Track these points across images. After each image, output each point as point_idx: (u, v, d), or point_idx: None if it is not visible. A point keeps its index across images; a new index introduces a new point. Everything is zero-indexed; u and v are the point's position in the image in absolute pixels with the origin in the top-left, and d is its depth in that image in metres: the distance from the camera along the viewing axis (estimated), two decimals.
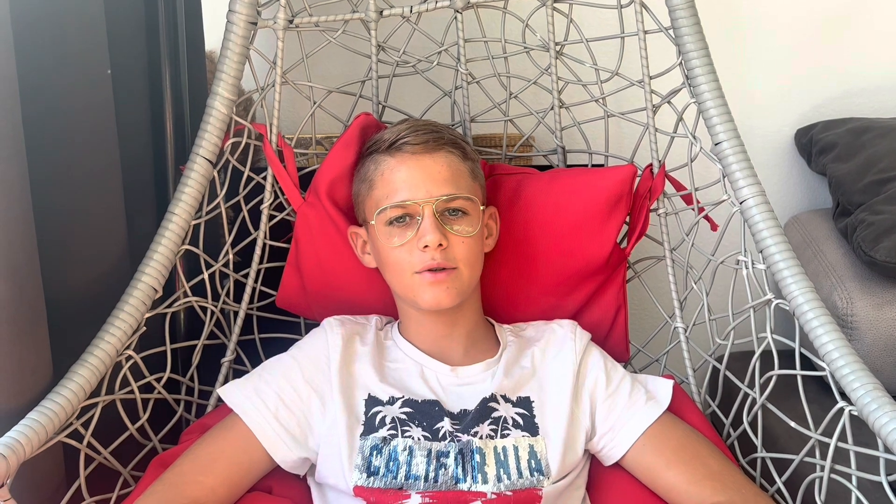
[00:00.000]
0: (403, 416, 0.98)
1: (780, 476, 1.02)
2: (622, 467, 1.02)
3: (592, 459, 1.04)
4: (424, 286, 1.00)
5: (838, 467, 0.94)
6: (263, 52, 1.20)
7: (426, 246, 0.99)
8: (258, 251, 1.23)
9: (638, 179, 1.18)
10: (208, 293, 1.18)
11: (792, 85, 1.51)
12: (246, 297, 1.23)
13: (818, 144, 1.45)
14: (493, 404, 1.00)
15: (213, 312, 1.19)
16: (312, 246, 1.16)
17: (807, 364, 1.00)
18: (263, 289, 1.24)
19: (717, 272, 1.15)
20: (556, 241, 1.15)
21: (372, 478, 0.93)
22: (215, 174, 1.17)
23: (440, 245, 0.99)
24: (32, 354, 0.94)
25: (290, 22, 1.20)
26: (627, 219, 1.18)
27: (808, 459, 0.98)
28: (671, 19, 1.13)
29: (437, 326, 1.05)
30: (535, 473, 0.95)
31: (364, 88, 1.26)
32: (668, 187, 1.20)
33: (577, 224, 1.14)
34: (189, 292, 1.16)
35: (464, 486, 0.93)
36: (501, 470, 0.94)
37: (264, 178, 1.22)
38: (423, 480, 0.93)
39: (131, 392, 1.07)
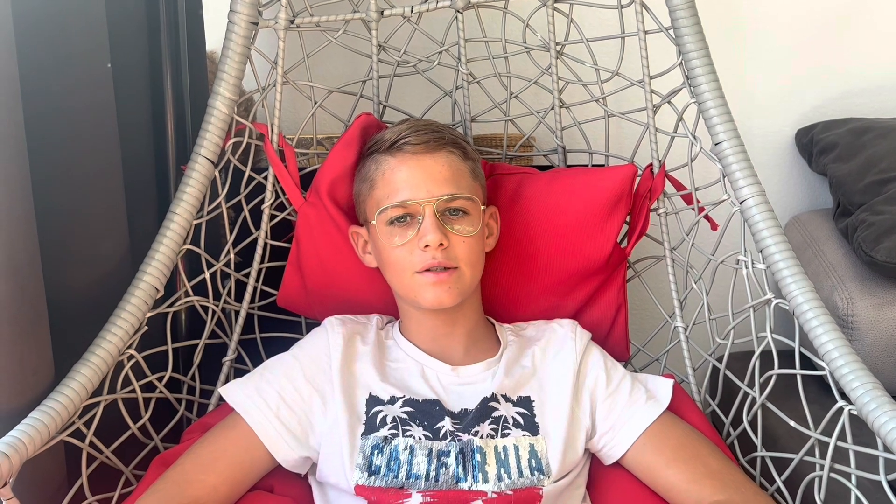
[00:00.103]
0: (404, 416, 0.98)
1: (779, 475, 1.02)
2: (622, 466, 1.02)
3: (592, 458, 1.04)
4: (426, 286, 1.00)
5: (838, 466, 0.94)
6: (264, 52, 1.20)
7: (427, 246, 0.99)
8: (259, 251, 1.23)
9: (638, 179, 1.18)
10: (209, 293, 1.18)
11: (792, 85, 1.51)
12: (247, 297, 1.23)
13: (819, 145, 1.45)
14: (493, 404, 1.00)
15: (214, 312, 1.19)
16: (313, 245, 1.16)
17: (806, 364, 1.00)
18: (264, 288, 1.24)
19: (717, 272, 1.15)
20: (556, 240, 1.15)
21: (373, 477, 0.94)
22: (216, 174, 1.17)
23: (441, 245, 0.99)
24: (34, 354, 0.94)
25: (291, 22, 1.20)
26: (628, 218, 1.18)
27: (807, 459, 0.98)
28: (671, 19, 1.13)
29: (437, 326, 1.05)
30: (536, 473, 0.95)
31: (365, 88, 1.26)
32: (669, 187, 1.21)
33: (577, 224, 1.15)
34: (190, 292, 1.16)
35: (464, 486, 0.93)
36: (502, 469, 0.94)
37: (265, 178, 1.22)
38: (423, 480, 0.93)
39: (133, 391, 1.07)
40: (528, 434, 0.98)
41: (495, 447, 0.96)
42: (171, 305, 1.13)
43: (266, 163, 1.22)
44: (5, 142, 0.88)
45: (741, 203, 1.09)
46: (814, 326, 0.98)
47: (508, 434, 0.97)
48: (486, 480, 0.93)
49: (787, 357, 1.03)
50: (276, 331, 1.24)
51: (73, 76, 1.00)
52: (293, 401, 0.99)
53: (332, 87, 1.25)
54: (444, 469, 0.94)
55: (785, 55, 1.49)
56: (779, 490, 1.02)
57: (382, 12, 1.22)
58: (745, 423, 1.08)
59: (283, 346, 1.09)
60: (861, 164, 1.37)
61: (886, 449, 0.86)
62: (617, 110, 1.23)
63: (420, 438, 0.96)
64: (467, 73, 1.24)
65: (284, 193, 1.21)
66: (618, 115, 1.23)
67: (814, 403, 0.99)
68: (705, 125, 1.12)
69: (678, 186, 1.20)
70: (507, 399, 1.01)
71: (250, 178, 1.22)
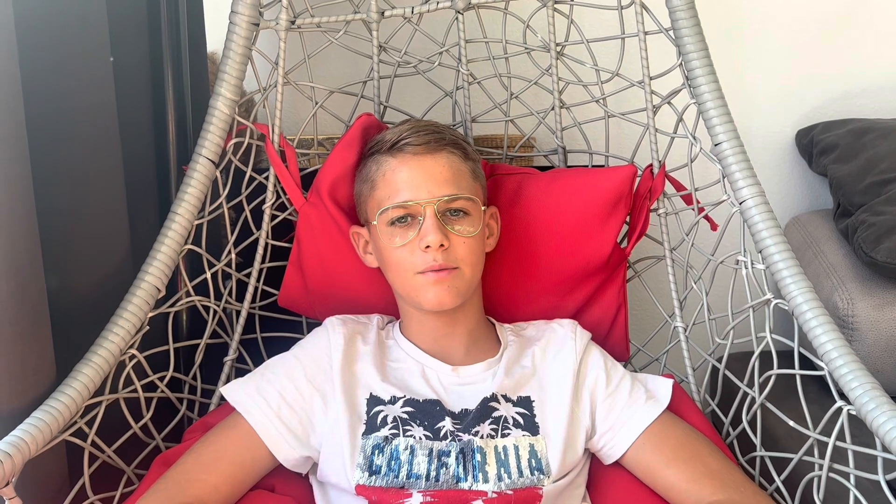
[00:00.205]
0: (405, 416, 0.98)
1: (778, 475, 1.02)
2: (622, 466, 1.02)
3: (592, 458, 1.04)
4: (427, 286, 1.00)
5: (837, 466, 0.94)
6: (265, 52, 1.21)
7: (428, 246, 0.99)
8: (260, 251, 1.23)
9: (638, 180, 1.18)
10: (211, 292, 1.19)
11: (793, 86, 1.51)
12: (248, 297, 1.23)
13: (819, 145, 1.45)
14: (493, 404, 1.00)
15: (215, 312, 1.20)
16: (314, 245, 1.17)
17: (806, 364, 1.00)
18: (265, 288, 1.24)
19: (716, 272, 1.15)
20: (556, 240, 1.15)
21: (374, 477, 0.94)
22: (218, 174, 1.18)
23: (442, 245, 0.99)
24: (35, 354, 0.95)
25: (292, 23, 1.20)
26: (628, 219, 1.19)
27: (806, 458, 0.98)
28: (671, 20, 1.13)
29: (438, 326, 1.05)
30: (536, 472, 0.95)
31: (366, 89, 1.26)
32: (669, 187, 1.21)
33: (577, 224, 1.15)
34: (192, 292, 1.17)
35: (465, 485, 0.94)
36: (502, 469, 0.95)
37: (266, 179, 1.23)
38: (424, 479, 0.93)
39: (135, 391, 1.07)
40: (528, 434, 0.98)
41: (495, 447, 0.96)
42: (172, 305, 1.14)
43: (267, 163, 1.23)
44: (7, 142, 0.88)
45: (741, 203, 1.09)
46: (813, 327, 0.98)
47: (508, 434, 0.98)
48: (486, 480, 0.94)
49: (786, 357, 1.03)
50: (277, 331, 1.25)
51: (74, 77, 1.01)
52: (294, 400, 0.99)
53: (332, 88, 1.25)
54: (444, 469, 0.94)
55: (785, 56, 1.49)
56: (778, 490, 1.02)
57: (383, 13, 1.22)
58: (745, 423, 1.08)
59: (285, 345, 1.10)
60: (861, 165, 1.37)
61: (885, 449, 0.86)
62: (617, 111, 1.23)
63: (420, 438, 0.96)
64: (468, 73, 1.24)
65: (285, 194, 1.22)
66: (618, 116, 1.23)
67: (813, 403, 1.00)
68: (705, 126, 1.12)
69: (678, 187, 1.20)
70: (507, 399, 1.01)
71: (251, 179, 1.22)
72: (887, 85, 1.52)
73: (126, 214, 1.10)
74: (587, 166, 1.28)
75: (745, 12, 1.47)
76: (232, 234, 1.22)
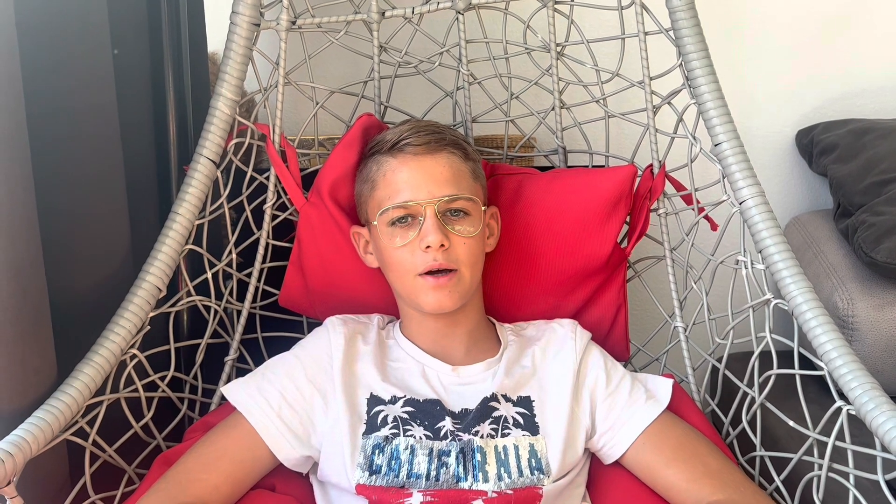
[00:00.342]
0: (405, 416, 0.99)
1: (778, 475, 1.03)
2: (622, 466, 1.02)
3: (592, 458, 1.05)
4: (427, 290, 1.01)
5: (836, 466, 0.94)
6: (266, 52, 1.21)
7: (428, 246, 0.99)
8: (261, 251, 1.23)
9: (638, 180, 1.19)
10: (212, 292, 1.19)
11: (793, 86, 1.51)
12: (249, 297, 1.23)
13: (819, 145, 1.45)
14: (493, 404, 1.00)
15: (216, 311, 1.20)
16: (315, 245, 1.17)
17: (806, 364, 1.00)
18: (266, 288, 1.24)
19: (716, 272, 1.16)
20: (556, 240, 1.15)
21: (374, 476, 0.94)
22: (218, 174, 1.18)
23: (442, 245, 0.99)
24: (36, 354, 0.95)
25: (293, 23, 1.20)
26: (628, 219, 1.19)
27: (806, 458, 0.98)
28: (671, 20, 1.13)
29: (438, 326, 1.06)
30: (536, 472, 0.95)
31: (366, 89, 1.26)
32: (669, 187, 1.21)
33: (577, 224, 1.15)
34: (193, 292, 1.17)
35: (465, 485, 0.94)
36: (502, 469, 0.95)
37: (267, 179, 1.23)
38: (424, 479, 0.94)
39: (136, 390, 1.07)
40: (528, 434, 0.98)
41: (495, 447, 0.96)
42: (173, 305, 1.14)
43: (268, 163, 1.23)
44: (8, 142, 0.88)
45: (741, 204, 1.09)
46: (813, 327, 0.98)
47: (508, 434, 0.98)
48: (486, 480, 0.94)
49: (786, 357, 1.04)
50: (277, 330, 1.25)
51: (75, 77, 1.01)
52: (295, 400, 1.00)
53: (333, 88, 1.25)
54: (444, 468, 0.94)
55: (785, 56, 1.49)
56: (777, 489, 1.03)
57: (384, 13, 1.22)
58: (745, 423, 1.08)
59: (285, 345, 1.10)
60: (861, 165, 1.37)
61: (884, 449, 0.87)
62: (617, 111, 1.23)
63: (421, 438, 0.97)
64: (468, 73, 1.24)
65: (286, 194, 1.22)
66: (618, 116, 1.23)
67: (813, 403, 1.00)
68: (705, 126, 1.12)
69: (678, 187, 1.20)
70: (507, 399, 1.01)
71: (252, 179, 1.23)
72: (887, 85, 1.52)
73: (127, 214, 1.11)
74: (587, 166, 1.28)
75: (745, 12, 1.47)
76: (233, 234, 1.22)
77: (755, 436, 1.06)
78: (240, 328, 1.22)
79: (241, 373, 1.10)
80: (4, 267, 0.89)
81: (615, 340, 1.19)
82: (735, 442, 1.11)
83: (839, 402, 0.94)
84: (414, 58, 1.25)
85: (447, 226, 1.01)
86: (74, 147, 1.02)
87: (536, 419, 1.00)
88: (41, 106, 0.96)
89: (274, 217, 1.23)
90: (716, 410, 1.15)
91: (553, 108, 1.25)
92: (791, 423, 1.01)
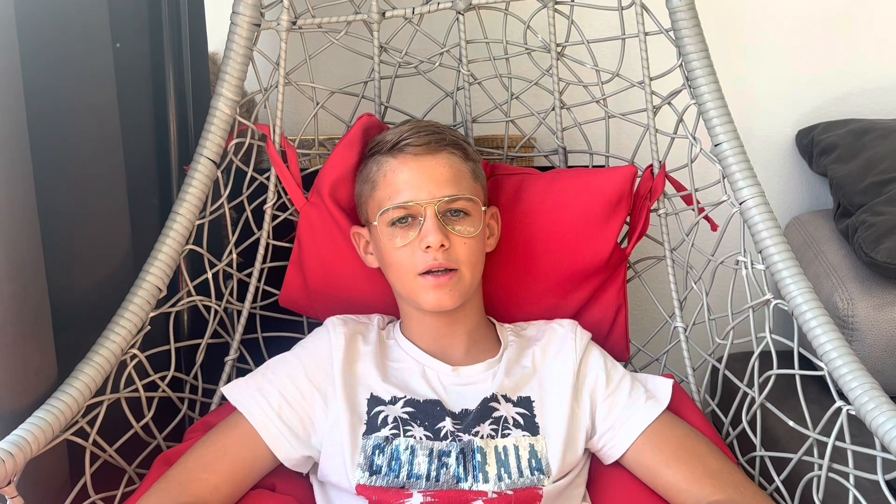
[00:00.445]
0: (405, 416, 0.99)
1: (778, 475, 1.03)
2: (622, 466, 1.02)
3: (592, 458, 1.05)
4: (427, 289, 1.01)
5: (836, 466, 0.94)
6: (266, 53, 1.21)
7: (428, 247, 1.00)
8: (261, 251, 1.23)
9: (638, 180, 1.19)
10: (212, 292, 1.19)
11: (793, 86, 1.51)
12: (249, 297, 1.23)
13: (819, 145, 1.45)
14: (493, 404, 1.00)
15: (216, 312, 1.20)
16: (315, 246, 1.17)
17: (806, 364, 1.00)
18: (266, 288, 1.24)
19: (716, 272, 1.16)
20: (557, 241, 1.15)
21: (374, 477, 0.94)
22: (219, 174, 1.18)
23: (442, 246, 0.99)
24: (37, 355, 0.95)
25: (293, 23, 1.20)
26: (628, 219, 1.19)
27: (806, 458, 0.98)
28: (671, 21, 1.13)
29: (438, 326, 1.06)
30: (536, 472, 0.95)
31: (366, 89, 1.26)
32: (669, 188, 1.21)
33: (577, 224, 1.15)
34: (193, 292, 1.17)
35: (465, 486, 0.94)
36: (502, 469, 0.95)
37: (267, 179, 1.23)
38: (424, 479, 0.94)
39: (136, 390, 1.07)
40: (528, 434, 0.98)
41: (495, 447, 0.97)
42: (173, 305, 1.14)
43: (268, 163, 1.23)
44: (8, 143, 0.88)
45: (741, 204, 1.09)
46: (813, 327, 0.98)
47: (508, 434, 0.98)
48: (486, 480, 0.94)
49: (786, 357, 1.04)
50: (277, 330, 1.25)
51: (75, 77, 1.01)
52: (295, 400, 1.00)
53: (333, 88, 1.25)
54: (444, 469, 0.95)
55: (785, 56, 1.49)
56: (777, 490, 1.03)
57: (384, 14, 1.22)
58: (745, 423, 1.08)
59: (285, 345, 1.10)
60: (861, 165, 1.37)
61: (884, 449, 0.87)
62: (617, 111, 1.23)
63: (421, 438, 0.97)
64: (468, 74, 1.24)
65: (286, 194, 1.22)
66: (618, 116, 1.23)
67: (813, 403, 1.00)
68: (705, 126, 1.12)
69: (678, 187, 1.20)
70: (507, 399, 1.01)
71: (252, 179, 1.23)
72: (887, 85, 1.52)
73: (127, 214, 1.11)
74: (587, 167, 1.28)
75: (745, 12, 1.47)
76: (233, 234, 1.22)
77: (755, 436, 1.06)
78: (240, 328, 1.23)
79: (242, 373, 1.10)
80: (5, 267, 0.89)
81: (615, 340, 1.19)
82: (735, 442, 1.11)
83: (839, 403, 0.94)
84: (414, 58, 1.25)
85: (447, 226, 1.01)
86: (75, 147, 1.02)
87: (536, 419, 1.00)
88: (41, 106, 0.96)
89: (274, 217, 1.23)
90: (716, 410, 1.15)
91: (553, 109, 1.25)
92: (791, 423, 1.01)
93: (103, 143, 1.06)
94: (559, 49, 1.23)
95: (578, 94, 1.26)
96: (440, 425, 0.98)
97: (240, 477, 0.97)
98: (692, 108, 1.15)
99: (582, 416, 1.01)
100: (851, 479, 0.92)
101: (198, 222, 1.15)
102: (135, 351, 1.06)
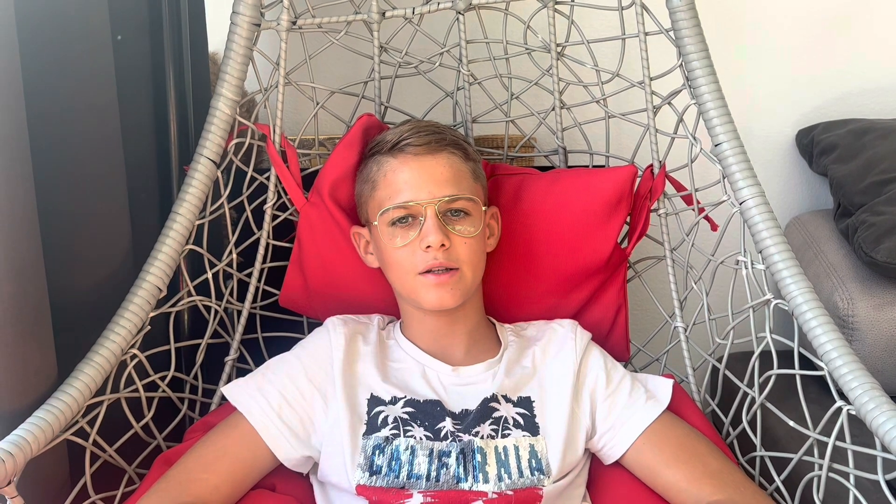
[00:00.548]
0: (405, 416, 0.99)
1: (778, 475, 1.03)
2: (622, 466, 1.02)
3: (593, 458, 1.05)
4: (428, 287, 1.01)
5: (837, 466, 0.94)
6: (266, 53, 1.21)
7: (429, 246, 1.00)
8: (261, 251, 1.23)
9: (638, 180, 1.19)
10: (212, 292, 1.19)
11: (793, 86, 1.51)
12: (249, 297, 1.23)
13: (819, 145, 1.45)
14: (493, 404, 1.00)
15: (216, 312, 1.20)
16: (315, 246, 1.17)
17: (806, 364, 1.00)
18: (266, 288, 1.24)
19: (716, 272, 1.16)
20: (557, 241, 1.15)
21: (374, 477, 0.94)
22: (219, 174, 1.18)
23: (443, 245, 0.99)
24: (37, 355, 0.95)
25: (293, 23, 1.20)
26: (628, 219, 1.19)
27: (806, 458, 0.98)
28: (671, 21, 1.13)
29: (438, 326, 1.06)
30: (536, 473, 0.95)
31: (366, 89, 1.26)
32: (669, 188, 1.21)
33: (578, 224, 1.15)
34: (193, 292, 1.17)
35: (465, 486, 0.94)
36: (502, 469, 0.95)
37: (267, 179, 1.23)
38: (424, 480, 0.94)
39: (136, 390, 1.07)
40: (528, 434, 0.98)
41: (496, 447, 0.97)
42: (173, 305, 1.14)
43: (268, 163, 1.23)
44: (8, 143, 0.88)
45: (741, 204, 1.09)
46: (813, 327, 0.98)
47: (509, 434, 0.98)
48: (486, 481, 0.94)
49: (786, 357, 1.04)
50: (277, 330, 1.25)
51: (75, 77, 1.01)
52: (295, 400, 1.00)
53: (333, 88, 1.25)
54: (444, 469, 0.94)
55: (785, 56, 1.49)
56: (778, 490, 1.03)
57: (384, 14, 1.22)
58: (745, 423, 1.08)
59: (285, 345, 1.10)
60: (861, 165, 1.37)
61: (885, 449, 0.87)
62: (617, 111, 1.23)
63: (421, 439, 0.97)
64: (468, 74, 1.24)
65: (286, 194, 1.22)
66: (618, 116, 1.23)
67: (813, 403, 1.00)
68: (705, 126, 1.12)
69: (678, 187, 1.21)
70: (507, 399, 1.01)
71: (252, 179, 1.23)
72: (887, 85, 1.52)
73: (128, 214, 1.11)
74: (588, 167, 1.28)
75: (745, 12, 1.47)
76: (233, 234, 1.22)
77: (755, 436, 1.06)
78: (240, 328, 1.23)
79: (242, 373, 1.10)
80: (4, 267, 0.89)
81: (615, 341, 1.19)
82: (735, 442, 1.11)
83: (839, 402, 0.94)
84: (414, 58, 1.25)
85: (447, 226, 1.01)
86: (75, 147, 1.02)
87: (536, 420, 1.00)
88: (42, 106, 0.96)
89: (274, 217, 1.23)
90: (716, 410, 1.15)
91: (553, 109, 1.25)
92: (791, 423, 1.01)
93: (103, 143, 1.06)
94: (559, 49, 1.23)
95: (578, 94, 1.26)
96: (440, 425, 0.98)
97: (240, 477, 0.97)
98: (692, 108, 1.15)
99: (582, 417, 1.01)
100: (852, 479, 0.92)
101: (198, 222, 1.15)
102: (135, 351, 1.06)
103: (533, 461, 0.96)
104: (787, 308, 1.03)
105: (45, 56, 0.97)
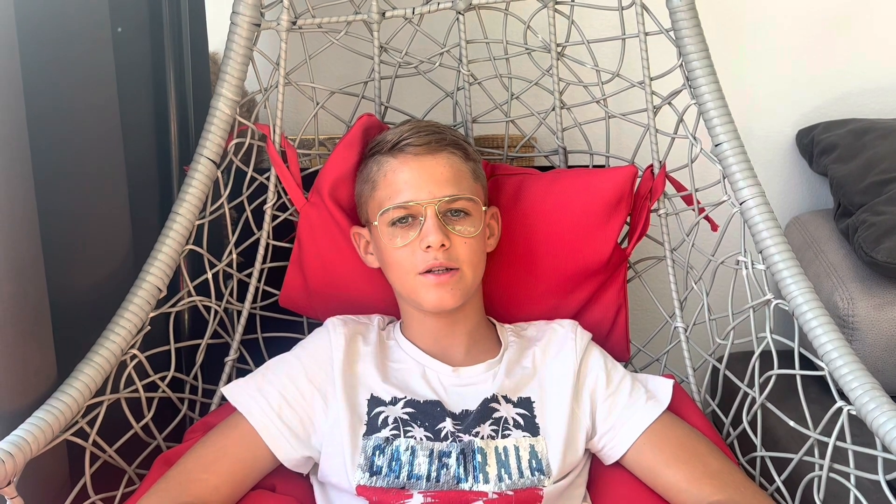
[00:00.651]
0: (406, 417, 0.99)
1: (779, 475, 1.03)
2: (622, 466, 1.02)
3: (593, 458, 1.05)
4: (428, 287, 1.01)
5: (837, 466, 0.94)
6: (267, 53, 1.21)
7: (429, 246, 0.99)
8: (261, 251, 1.23)
9: (639, 180, 1.19)
10: (212, 293, 1.19)
11: (793, 86, 1.51)
12: (249, 297, 1.23)
13: (819, 145, 1.45)
14: (494, 405, 1.00)
15: (216, 312, 1.20)
16: (315, 246, 1.17)
17: (806, 364, 1.00)
18: (266, 288, 1.24)
19: (717, 272, 1.16)
20: (557, 241, 1.15)
21: (374, 477, 0.94)
22: (219, 175, 1.18)
23: (443, 245, 0.99)
24: (36, 355, 0.95)
25: (293, 23, 1.20)
26: (628, 219, 1.19)
27: (807, 458, 0.98)
28: (671, 21, 1.13)
29: (438, 326, 1.06)
30: (536, 473, 0.95)
31: (367, 89, 1.26)
32: (669, 188, 1.21)
33: (578, 224, 1.15)
34: (193, 292, 1.17)
35: (465, 486, 0.94)
36: (503, 470, 0.95)
37: (267, 179, 1.23)
38: (425, 480, 0.94)
39: (136, 391, 1.07)
40: (528, 435, 0.98)
41: (496, 448, 0.96)
42: (173, 305, 1.14)
43: (268, 163, 1.23)
44: (8, 143, 0.88)
45: (741, 204, 1.09)
46: (813, 327, 0.98)
47: (509, 435, 0.98)
48: (486, 481, 0.94)
49: (786, 357, 1.04)
50: (277, 331, 1.25)
51: (75, 77, 1.01)
52: (295, 400, 1.00)
53: (333, 88, 1.25)
54: (445, 470, 0.94)
55: (785, 56, 1.49)
56: (778, 490, 1.03)
57: (384, 14, 1.22)
58: (745, 423, 1.08)
59: (285, 345, 1.10)
60: (862, 165, 1.37)
61: (885, 449, 0.87)
62: (617, 111, 1.23)
63: (421, 439, 0.97)
64: (468, 74, 1.24)
65: (286, 194, 1.22)
66: (618, 116, 1.23)
67: (813, 403, 1.00)
68: (705, 126, 1.12)
69: (678, 187, 1.20)
70: (507, 400, 1.01)
71: (252, 179, 1.23)
72: (887, 85, 1.52)
73: (128, 215, 1.11)
74: (588, 167, 1.28)
75: (745, 12, 1.47)
76: (233, 234, 1.22)
77: (756, 436, 1.06)
78: (240, 328, 1.22)
79: (242, 373, 1.10)
80: (4, 267, 0.89)
81: (615, 341, 1.19)
82: (736, 442, 1.11)
83: (840, 403, 0.94)
84: (414, 58, 1.25)
85: (448, 226, 1.01)
86: (75, 147, 1.02)
87: (537, 420, 1.00)
88: (42, 106, 0.96)
89: (274, 217, 1.23)
90: (716, 411, 1.15)
91: (553, 109, 1.25)
92: (792, 423, 1.01)
93: (103, 142, 1.06)
94: (559, 49, 1.23)
95: (578, 94, 1.26)
96: (440, 426, 0.98)
97: (240, 477, 0.97)
98: (692, 108, 1.15)
99: (582, 417, 1.01)
100: (852, 479, 0.92)
101: (198, 222, 1.15)
102: (135, 351, 1.06)
103: (533, 461, 0.96)
104: (787, 308, 1.03)
105: (45, 55, 0.97)
